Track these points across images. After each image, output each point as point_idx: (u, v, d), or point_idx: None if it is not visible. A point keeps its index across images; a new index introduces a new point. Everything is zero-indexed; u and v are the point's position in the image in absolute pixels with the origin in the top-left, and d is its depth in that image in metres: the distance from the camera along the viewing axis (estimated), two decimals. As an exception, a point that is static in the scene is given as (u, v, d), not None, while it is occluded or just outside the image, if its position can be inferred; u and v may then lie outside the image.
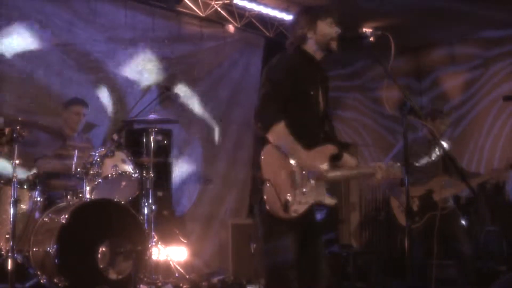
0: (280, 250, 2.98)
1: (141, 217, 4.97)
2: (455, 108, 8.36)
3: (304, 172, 2.99)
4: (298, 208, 2.94)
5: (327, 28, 3.16)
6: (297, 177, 2.97)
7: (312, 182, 3.02)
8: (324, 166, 3.09)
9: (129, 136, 6.11)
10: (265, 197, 2.91)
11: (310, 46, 3.20)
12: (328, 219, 6.80)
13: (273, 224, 2.98)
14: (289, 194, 2.92)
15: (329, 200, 3.11)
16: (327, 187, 3.11)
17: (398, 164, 3.25)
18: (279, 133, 2.95)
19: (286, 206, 2.90)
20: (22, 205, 4.52)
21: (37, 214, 4.62)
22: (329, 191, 3.12)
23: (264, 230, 3.05)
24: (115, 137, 5.17)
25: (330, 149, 3.15)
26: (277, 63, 3.15)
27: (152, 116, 5.41)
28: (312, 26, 3.18)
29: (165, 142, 6.44)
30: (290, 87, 3.05)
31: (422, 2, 7.07)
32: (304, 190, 2.98)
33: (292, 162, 2.97)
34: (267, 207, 2.92)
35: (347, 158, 3.32)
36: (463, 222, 5.09)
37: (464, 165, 7.87)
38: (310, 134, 3.13)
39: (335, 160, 3.22)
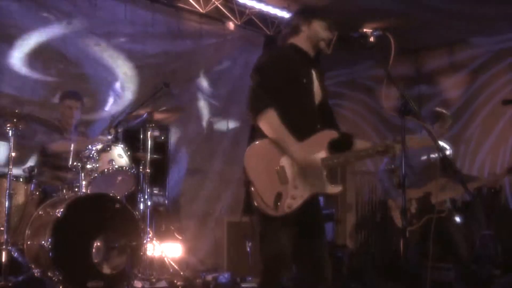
0: (273, 245, 2.95)
1: (137, 213, 4.96)
2: (454, 111, 8.36)
3: (294, 165, 2.95)
4: (292, 203, 2.91)
5: (320, 30, 3.19)
6: (287, 171, 2.94)
7: (307, 174, 2.97)
8: (321, 154, 3.03)
9: (126, 131, 6.09)
10: (253, 197, 2.90)
11: (302, 41, 3.21)
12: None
13: (267, 222, 2.95)
14: (278, 191, 2.89)
15: (332, 189, 3.03)
16: (329, 175, 3.01)
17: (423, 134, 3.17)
18: (269, 121, 2.94)
19: (276, 203, 2.87)
20: (17, 198, 4.51)
21: (32, 207, 4.61)
22: (332, 179, 3.02)
23: (259, 228, 3.03)
24: (112, 131, 5.16)
25: (328, 134, 3.10)
26: (265, 55, 3.21)
27: (149, 111, 5.39)
28: (307, 21, 3.20)
29: (163, 138, 6.42)
30: (279, 75, 3.04)
31: (422, 4, 7.07)
32: (296, 183, 2.94)
33: (282, 157, 2.94)
34: (257, 206, 2.91)
35: (360, 144, 3.19)
36: (460, 225, 5.08)
37: (462, 168, 7.88)
38: (306, 124, 3.08)
39: (343, 148, 3.13)
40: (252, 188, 2.90)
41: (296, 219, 2.97)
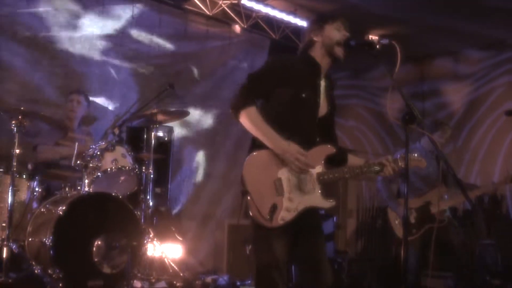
0: (266, 253, 2.96)
1: (138, 213, 4.97)
2: (457, 119, 8.37)
3: (291, 178, 2.96)
4: (285, 216, 2.92)
5: (334, 32, 3.15)
6: (284, 183, 2.95)
7: (302, 187, 2.98)
8: (318, 168, 3.04)
9: (130, 131, 6.11)
10: (249, 207, 2.91)
11: (317, 51, 3.19)
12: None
13: (261, 231, 2.96)
14: (274, 202, 2.90)
15: (325, 203, 3.03)
16: (323, 190, 3.03)
17: (415, 154, 3.16)
18: (250, 116, 2.97)
19: (271, 214, 2.88)
20: (20, 195, 4.53)
21: (34, 204, 4.62)
22: (326, 194, 3.04)
23: (253, 233, 3.04)
24: (116, 131, 5.17)
25: (325, 150, 3.09)
26: (269, 61, 3.20)
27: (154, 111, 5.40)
28: (319, 30, 3.18)
29: (166, 139, 6.43)
30: (272, 84, 3.05)
31: (427, 12, 7.08)
32: (292, 196, 2.95)
33: (280, 169, 2.95)
34: (252, 215, 2.92)
35: (353, 160, 3.23)
36: (460, 233, 5.08)
37: (462, 176, 7.88)
38: (304, 137, 3.06)
39: (339, 164, 3.16)
40: (249, 198, 2.91)
41: (291, 228, 2.98)
